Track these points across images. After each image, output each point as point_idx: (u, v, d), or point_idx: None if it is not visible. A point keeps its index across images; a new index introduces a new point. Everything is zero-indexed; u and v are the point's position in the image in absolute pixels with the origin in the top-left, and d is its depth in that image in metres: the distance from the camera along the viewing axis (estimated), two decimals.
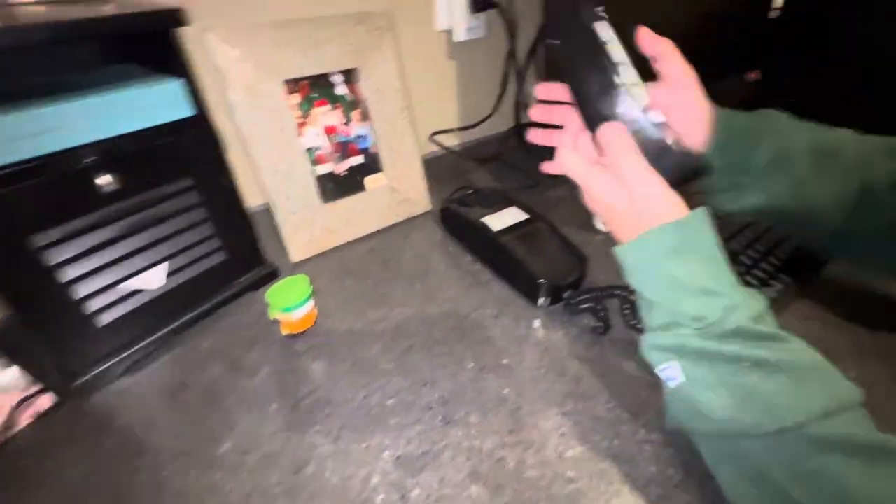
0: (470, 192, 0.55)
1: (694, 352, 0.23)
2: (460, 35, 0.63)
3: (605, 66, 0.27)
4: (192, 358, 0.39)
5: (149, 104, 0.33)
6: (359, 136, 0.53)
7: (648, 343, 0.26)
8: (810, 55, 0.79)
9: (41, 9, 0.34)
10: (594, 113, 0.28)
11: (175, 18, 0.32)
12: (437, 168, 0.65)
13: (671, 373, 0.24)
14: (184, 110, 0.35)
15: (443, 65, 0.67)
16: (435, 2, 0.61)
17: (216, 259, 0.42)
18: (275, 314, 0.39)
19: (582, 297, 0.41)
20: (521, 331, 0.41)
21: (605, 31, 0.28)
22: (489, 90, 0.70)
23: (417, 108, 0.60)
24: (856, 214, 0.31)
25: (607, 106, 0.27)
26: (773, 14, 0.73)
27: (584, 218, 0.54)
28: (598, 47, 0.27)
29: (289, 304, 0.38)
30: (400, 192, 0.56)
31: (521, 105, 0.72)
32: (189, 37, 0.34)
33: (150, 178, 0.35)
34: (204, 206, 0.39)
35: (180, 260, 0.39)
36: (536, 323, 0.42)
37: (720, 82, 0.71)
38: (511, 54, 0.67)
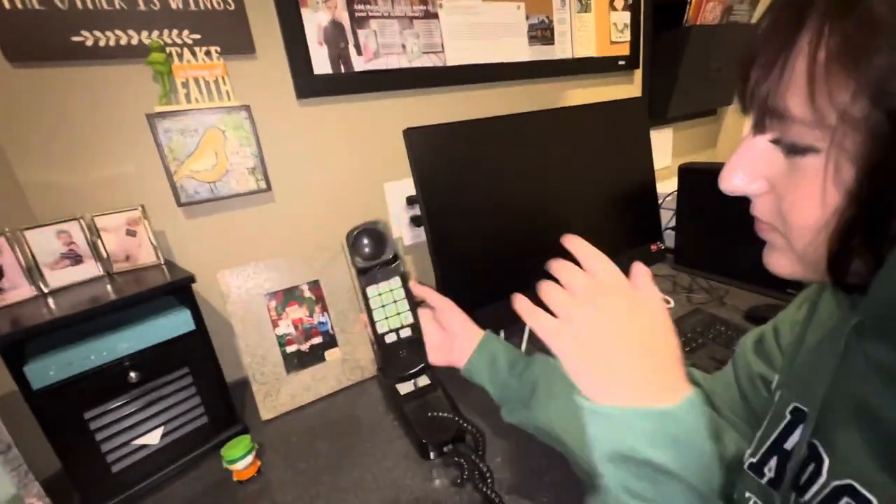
0: None
1: None
2: (408, 240, 0.88)
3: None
4: (171, 498, 0.55)
5: (167, 326, 0.57)
6: (320, 323, 0.74)
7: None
8: (698, 223, 0.95)
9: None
10: None
11: (190, 280, 0.57)
12: None
13: None
14: (189, 327, 0.58)
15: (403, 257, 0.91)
16: (391, 220, 0.88)
17: (200, 422, 0.60)
18: (227, 465, 0.55)
19: (451, 454, 0.53)
20: (415, 481, 0.52)
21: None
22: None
23: None
24: None
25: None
26: (662, 199, 0.92)
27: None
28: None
29: (234, 457, 0.54)
30: (352, 362, 0.74)
31: None
32: (206, 275, 0.59)
33: (161, 370, 0.57)
34: (195, 385, 0.60)
35: (174, 423, 0.58)
36: (431, 473, 0.53)
37: (630, 252, 0.88)
38: None
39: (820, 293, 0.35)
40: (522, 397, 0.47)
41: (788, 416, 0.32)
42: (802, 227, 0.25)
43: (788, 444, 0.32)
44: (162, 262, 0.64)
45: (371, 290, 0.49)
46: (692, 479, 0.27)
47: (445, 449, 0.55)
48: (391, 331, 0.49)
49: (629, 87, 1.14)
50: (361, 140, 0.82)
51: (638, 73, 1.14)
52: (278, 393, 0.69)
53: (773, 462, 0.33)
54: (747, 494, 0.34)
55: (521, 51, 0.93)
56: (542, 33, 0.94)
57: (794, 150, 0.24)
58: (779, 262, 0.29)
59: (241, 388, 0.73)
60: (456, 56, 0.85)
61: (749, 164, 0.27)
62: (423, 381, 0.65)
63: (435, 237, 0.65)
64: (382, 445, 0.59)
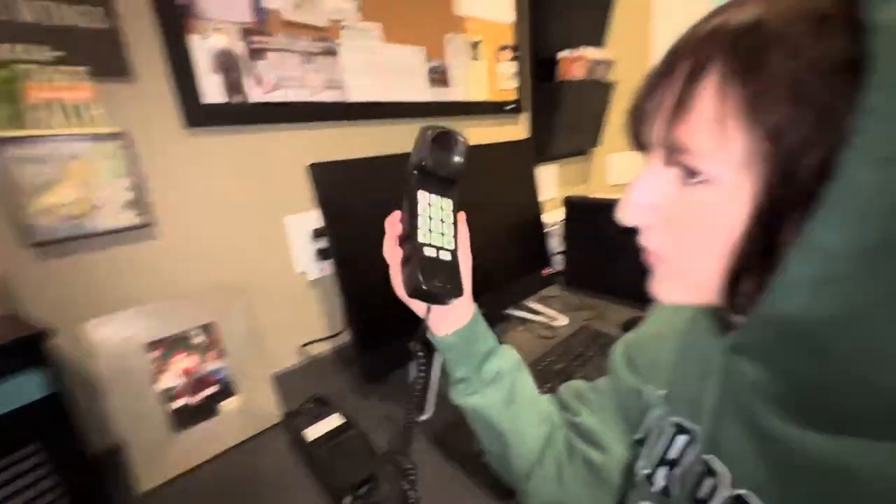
0: (310, 401, 0.68)
1: None
2: (313, 274, 0.85)
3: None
4: None
5: (8, 394, 0.46)
6: (214, 371, 0.67)
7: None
8: (582, 248, 1.08)
9: None
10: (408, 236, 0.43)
11: (40, 335, 0.48)
12: (307, 374, 0.80)
13: None
14: (39, 393, 0.48)
15: (305, 293, 0.88)
16: (292, 254, 0.84)
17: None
18: None
19: (366, 496, 0.51)
20: None
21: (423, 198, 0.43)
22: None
23: (288, 325, 0.79)
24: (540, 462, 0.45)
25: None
26: (548, 228, 1.02)
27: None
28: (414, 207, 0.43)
29: None
30: (252, 411, 0.68)
31: None
32: (70, 326, 0.50)
33: (9, 444, 0.46)
34: (50, 462, 0.49)
35: None
36: None
37: (525, 277, 0.95)
38: None
39: (693, 318, 0.38)
40: (485, 382, 0.47)
41: (670, 431, 0.36)
42: (701, 253, 0.27)
43: (672, 455, 0.36)
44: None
45: (422, 196, 0.43)
46: None
47: (361, 491, 0.53)
48: (432, 246, 0.42)
49: (517, 129, 1.27)
50: (260, 172, 0.79)
51: (524, 117, 1.28)
52: (163, 457, 0.60)
53: (662, 472, 0.36)
54: (641, 503, 0.38)
55: (422, 91, 0.98)
56: (439, 76, 1.01)
57: (693, 183, 0.26)
58: (667, 291, 0.31)
59: (117, 456, 0.62)
60: (358, 93, 0.87)
61: (645, 198, 0.28)
62: (335, 420, 0.62)
63: (343, 270, 0.64)
64: (290, 501, 0.54)
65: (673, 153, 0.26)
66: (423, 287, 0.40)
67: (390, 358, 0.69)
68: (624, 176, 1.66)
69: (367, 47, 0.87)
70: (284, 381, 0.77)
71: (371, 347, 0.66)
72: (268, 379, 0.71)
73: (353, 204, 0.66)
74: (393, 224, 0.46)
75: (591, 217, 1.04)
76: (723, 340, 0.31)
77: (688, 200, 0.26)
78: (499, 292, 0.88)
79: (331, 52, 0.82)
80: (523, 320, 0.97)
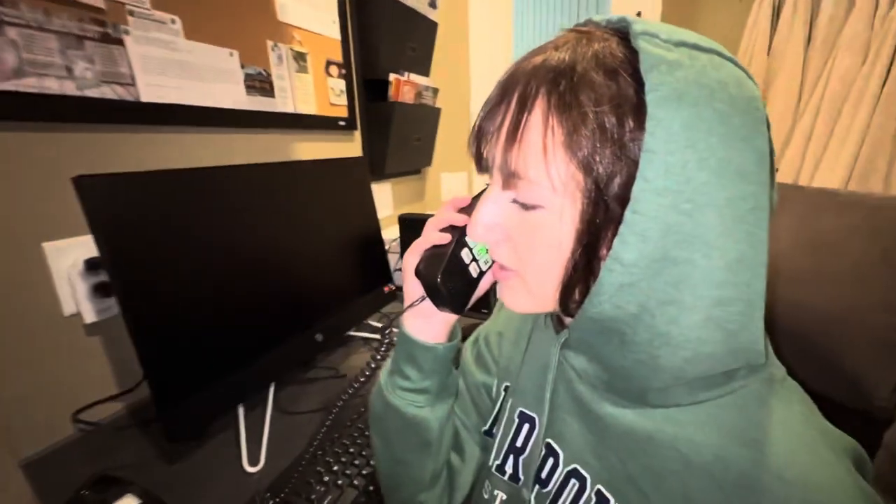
0: (90, 485, 0.52)
1: None
2: (90, 317, 0.66)
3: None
4: None
5: None
6: None
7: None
8: None
9: None
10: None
11: None
12: (87, 447, 0.62)
13: None
14: None
15: (80, 342, 0.67)
16: (57, 291, 0.64)
17: None
18: None
19: None
20: None
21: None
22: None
23: (54, 387, 0.61)
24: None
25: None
26: (391, 246, 1.03)
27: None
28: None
29: None
30: None
31: None
32: None
33: None
34: None
35: None
36: None
37: (367, 295, 0.92)
38: None
39: (534, 323, 0.43)
40: (439, 398, 0.44)
41: (516, 420, 0.40)
42: (540, 268, 0.31)
43: (519, 443, 0.40)
44: None
45: None
46: None
47: None
48: (471, 252, 0.39)
49: (351, 146, 1.26)
50: (4, 185, 0.58)
51: (357, 134, 1.27)
52: None
53: (510, 460, 0.40)
54: (495, 492, 0.41)
55: (239, 99, 0.88)
56: (260, 84, 0.92)
57: (528, 207, 0.30)
58: (516, 301, 0.35)
59: None
60: (153, 93, 0.73)
61: (490, 219, 0.32)
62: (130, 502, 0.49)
63: (133, 309, 0.51)
64: None
65: (509, 178, 0.30)
66: (437, 281, 0.38)
67: (205, 407, 0.58)
68: (455, 193, 1.81)
69: (164, 41, 0.74)
70: (50, 463, 0.58)
71: (178, 398, 0.54)
72: (12, 469, 0.51)
73: (144, 226, 0.53)
74: (457, 204, 0.42)
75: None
76: (557, 338, 0.36)
77: (524, 221, 0.31)
78: (342, 313, 0.84)
79: (112, 40, 0.67)
80: (366, 340, 0.94)
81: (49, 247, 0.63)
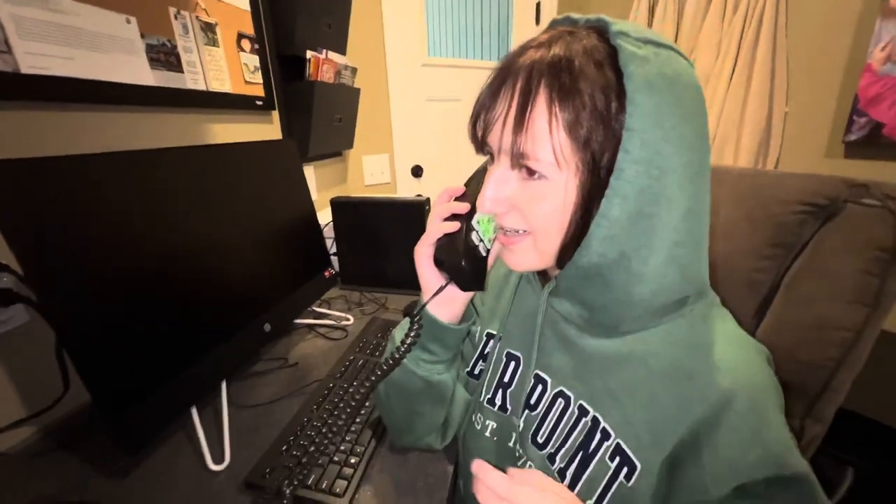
0: None
1: None
2: None
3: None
4: None
5: None
6: None
7: None
8: (352, 246, 1.13)
9: None
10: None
11: None
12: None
13: None
14: None
15: None
16: None
17: None
18: None
19: None
20: None
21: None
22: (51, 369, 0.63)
23: None
24: None
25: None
26: (325, 231, 1.01)
27: None
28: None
29: None
30: None
31: None
32: None
33: None
34: None
35: None
36: None
37: (310, 282, 0.90)
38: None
39: (519, 279, 0.51)
40: (453, 364, 0.50)
41: (504, 359, 0.49)
42: (547, 229, 0.37)
43: (506, 379, 0.48)
44: None
45: None
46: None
47: None
48: (478, 234, 0.42)
49: (270, 128, 1.18)
50: None
51: (276, 115, 1.20)
52: None
53: (499, 393, 0.48)
54: (487, 422, 0.49)
55: (142, 73, 0.78)
56: (165, 57, 0.82)
57: (535, 179, 0.35)
58: (524, 260, 0.41)
59: None
60: (36, 62, 0.62)
61: (500, 194, 0.38)
62: None
63: (63, 314, 0.45)
64: None
65: (519, 159, 0.36)
66: (462, 264, 0.41)
67: (159, 411, 0.53)
68: (378, 176, 1.79)
69: (44, 1, 0.62)
70: None
71: (126, 407, 0.49)
72: None
73: (61, 218, 0.47)
74: (452, 194, 0.45)
75: (358, 216, 1.08)
76: (544, 289, 0.44)
77: (531, 190, 0.36)
78: (286, 301, 0.81)
79: None
80: (310, 327, 0.93)
81: None
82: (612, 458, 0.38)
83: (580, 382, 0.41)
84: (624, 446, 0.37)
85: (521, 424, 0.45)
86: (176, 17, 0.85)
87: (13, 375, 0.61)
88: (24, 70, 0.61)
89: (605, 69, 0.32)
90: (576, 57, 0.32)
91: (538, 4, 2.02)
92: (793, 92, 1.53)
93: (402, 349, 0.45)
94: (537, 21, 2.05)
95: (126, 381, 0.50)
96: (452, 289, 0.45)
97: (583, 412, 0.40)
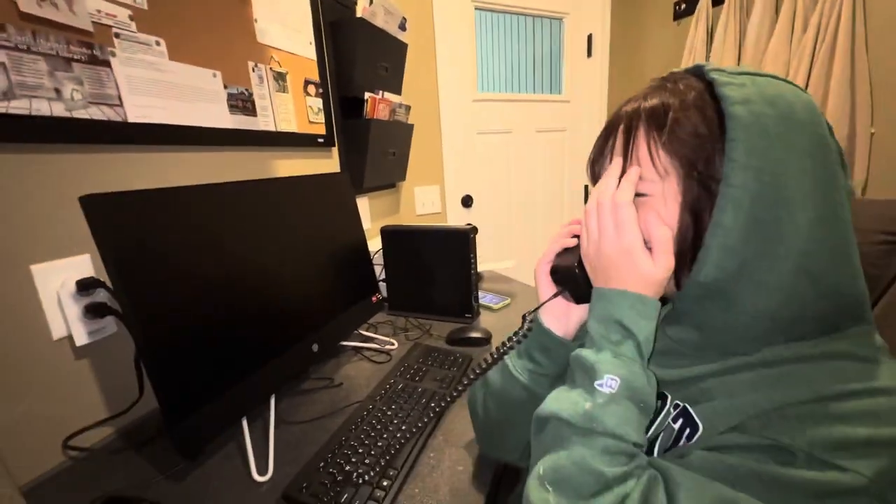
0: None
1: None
2: (82, 339, 0.65)
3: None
4: None
5: None
6: None
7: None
8: (400, 274, 1.17)
9: None
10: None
11: None
12: (78, 476, 0.60)
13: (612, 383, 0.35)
14: None
15: (69, 366, 0.66)
16: (45, 314, 0.62)
17: None
18: None
19: None
20: None
21: None
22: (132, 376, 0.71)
23: (44, 414, 0.58)
24: None
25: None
26: (374, 257, 1.06)
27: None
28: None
29: None
30: None
31: None
32: None
33: None
34: None
35: None
36: None
37: (356, 305, 0.94)
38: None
39: None
40: (555, 377, 0.49)
41: None
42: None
43: None
44: None
45: None
46: (640, 337, 0.38)
47: None
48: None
49: (329, 162, 1.28)
50: None
51: (335, 151, 1.30)
52: None
53: None
54: None
55: (222, 118, 0.90)
56: (242, 104, 0.94)
57: (642, 197, 0.39)
58: None
59: None
60: (140, 113, 0.74)
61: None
62: None
63: (144, 327, 0.52)
64: None
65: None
66: (576, 271, 0.44)
67: (214, 420, 0.58)
68: (429, 206, 1.86)
69: (150, 63, 0.75)
70: (46, 492, 0.56)
71: (188, 414, 0.55)
72: (15, 493, 0.50)
73: (148, 243, 0.54)
74: (579, 221, 0.49)
75: (406, 244, 1.13)
76: (661, 311, 0.42)
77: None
78: (334, 323, 0.86)
79: (100, 62, 0.67)
80: (357, 350, 0.96)
81: (37, 269, 0.62)
82: (675, 420, 0.39)
83: (689, 398, 0.40)
84: (690, 410, 0.38)
85: None
86: (253, 70, 0.97)
87: (100, 379, 0.69)
88: (131, 119, 0.72)
89: (702, 96, 0.37)
90: (672, 96, 0.38)
91: (590, 36, 2.04)
92: (878, 111, 1.39)
93: (507, 345, 0.48)
94: (589, 53, 2.06)
95: (189, 391, 0.56)
96: (567, 303, 0.48)
97: (677, 408, 0.40)
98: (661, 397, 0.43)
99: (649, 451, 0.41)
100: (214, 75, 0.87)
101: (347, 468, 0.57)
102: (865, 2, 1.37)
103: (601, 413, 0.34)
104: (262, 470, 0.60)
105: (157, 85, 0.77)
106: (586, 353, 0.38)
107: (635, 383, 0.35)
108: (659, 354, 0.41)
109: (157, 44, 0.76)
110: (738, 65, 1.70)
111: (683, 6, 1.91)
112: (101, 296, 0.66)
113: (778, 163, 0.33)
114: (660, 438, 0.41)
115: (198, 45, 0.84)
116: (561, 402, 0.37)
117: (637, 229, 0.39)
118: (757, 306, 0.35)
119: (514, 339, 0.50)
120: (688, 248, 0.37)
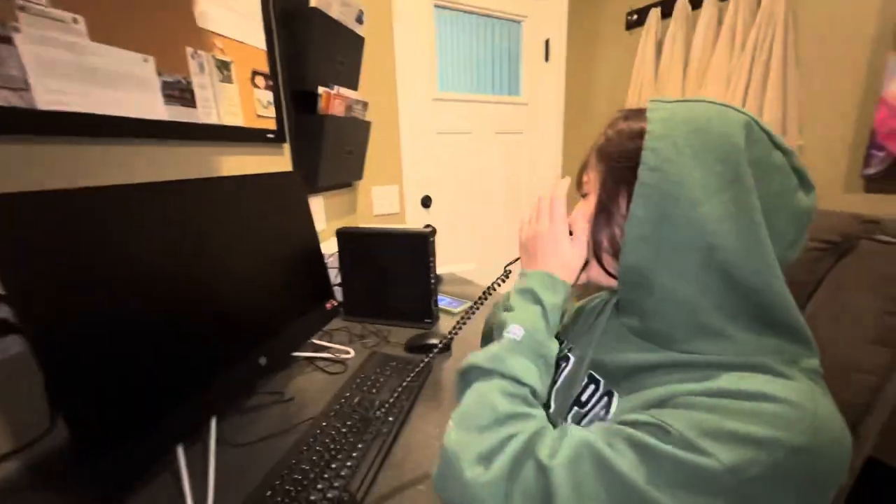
0: None
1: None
2: None
3: None
4: None
5: None
6: None
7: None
8: (357, 278, 1.12)
9: None
10: None
11: None
12: None
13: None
14: None
15: None
16: None
17: None
18: None
19: None
20: None
21: None
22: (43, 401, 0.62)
23: None
24: None
25: None
26: (328, 261, 1.01)
27: None
28: None
29: None
30: None
31: None
32: None
33: None
34: None
35: None
36: None
37: (310, 313, 0.88)
38: None
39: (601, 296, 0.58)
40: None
41: (562, 363, 0.54)
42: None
43: (561, 377, 0.52)
44: None
45: None
46: (546, 305, 0.46)
47: None
48: None
49: (281, 159, 1.21)
50: None
51: (286, 147, 1.23)
52: None
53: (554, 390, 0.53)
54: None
55: (156, 108, 0.81)
56: (180, 94, 0.86)
57: (585, 197, 0.49)
58: (591, 273, 0.49)
59: None
60: (52, 99, 0.64)
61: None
62: None
63: (48, 350, 0.44)
64: None
65: (579, 185, 0.52)
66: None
67: (142, 452, 0.51)
68: (387, 206, 1.81)
69: (65, 43, 0.66)
70: None
71: (109, 445, 0.48)
72: None
73: (56, 251, 0.47)
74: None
75: (363, 247, 1.08)
76: (607, 302, 0.52)
77: (584, 205, 0.50)
78: (284, 333, 0.80)
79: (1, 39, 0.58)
80: (310, 360, 0.91)
81: None
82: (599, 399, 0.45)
83: (626, 385, 0.43)
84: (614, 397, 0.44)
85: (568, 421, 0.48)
86: (193, 57, 0.89)
87: (4, 405, 0.60)
88: (41, 106, 0.63)
89: (636, 119, 0.44)
90: (617, 123, 0.46)
91: (547, 41, 2.08)
92: (808, 125, 1.51)
93: (481, 298, 0.58)
94: (546, 58, 2.10)
95: (109, 419, 0.49)
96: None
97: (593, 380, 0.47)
98: (595, 381, 0.48)
99: None
100: (145, 60, 0.79)
101: (298, 495, 0.53)
102: (798, 21, 1.48)
103: (505, 355, 0.42)
104: (199, 501, 0.54)
105: (75, 68, 0.67)
106: (504, 314, 0.47)
107: (537, 336, 0.44)
108: (614, 340, 0.47)
109: (75, 21, 0.67)
110: (684, 78, 1.79)
111: (635, 17, 1.98)
112: (2, 311, 0.57)
113: (684, 166, 0.38)
114: (588, 418, 0.46)
115: (125, 24, 0.75)
116: (477, 354, 0.44)
117: (564, 221, 0.49)
118: (676, 293, 0.39)
119: (489, 291, 0.59)
120: (606, 239, 0.45)
